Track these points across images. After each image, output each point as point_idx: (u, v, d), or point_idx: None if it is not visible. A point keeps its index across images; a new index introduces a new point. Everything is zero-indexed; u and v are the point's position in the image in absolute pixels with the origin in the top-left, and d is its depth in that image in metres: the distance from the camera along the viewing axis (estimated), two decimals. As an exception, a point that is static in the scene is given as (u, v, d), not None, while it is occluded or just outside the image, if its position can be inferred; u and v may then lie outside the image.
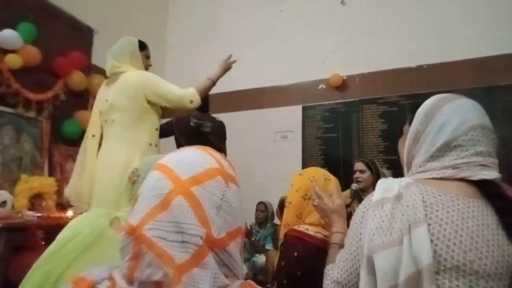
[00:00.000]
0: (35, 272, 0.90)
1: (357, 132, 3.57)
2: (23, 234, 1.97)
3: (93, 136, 1.99)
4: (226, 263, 0.50)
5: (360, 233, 0.81)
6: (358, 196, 2.58)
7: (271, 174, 3.64)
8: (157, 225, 0.48)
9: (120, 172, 1.79)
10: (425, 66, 3.38)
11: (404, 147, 0.91)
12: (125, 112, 1.93)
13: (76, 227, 0.98)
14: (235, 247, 0.51)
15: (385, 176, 2.71)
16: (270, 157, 3.75)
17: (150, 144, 1.94)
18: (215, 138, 2.80)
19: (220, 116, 3.52)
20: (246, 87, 4.06)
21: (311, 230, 1.31)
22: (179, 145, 2.72)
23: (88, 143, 2.00)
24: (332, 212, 1.20)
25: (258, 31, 4.14)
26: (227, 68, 2.20)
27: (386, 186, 0.82)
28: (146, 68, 2.11)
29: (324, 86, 3.76)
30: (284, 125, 3.87)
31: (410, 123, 0.91)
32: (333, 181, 1.45)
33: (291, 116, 3.84)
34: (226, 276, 0.49)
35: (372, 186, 2.41)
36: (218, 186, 0.52)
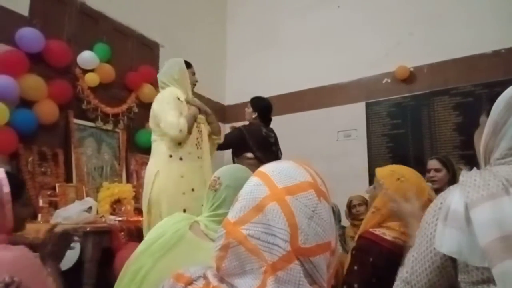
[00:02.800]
0: (127, 270, 0.99)
1: (428, 127, 3.33)
2: (107, 237, 2.14)
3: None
4: (310, 273, 0.51)
5: (435, 229, 0.78)
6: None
7: (336, 175, 3.52)
8: (252, 226, 0.52)
9: (147, 181, 2.11)
10: (503, 51, 3.06)
11: (481, 140, 0.85)
12: (153, 130, 2.20)
13: (160, 230, 1.06)
14: (322, 260, 0.52)
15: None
16: (334, 157, 3.65)
17: (170, 156, 2.09)
18: (276, 148, 2.93)
19: (281, 118, 3.53)
20: (306, 87, 4.02)
21: (389, 235, 1.22)
22: (237, 151, 2.79)
23: None
24: (409, 216, 1.16)
25: (316, 31, 4.07)
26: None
27: None
28: (194, 84, 2.33)
29: (389, 80, 3.58)
30: (347, 124, 3.75)
31: (487, 114, 0.83)
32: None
33: (354, 114, 3.71)
34: (310, 285, 0.50)
35: (448, 186, 2.22)
36: (311, 199, 0.53)
